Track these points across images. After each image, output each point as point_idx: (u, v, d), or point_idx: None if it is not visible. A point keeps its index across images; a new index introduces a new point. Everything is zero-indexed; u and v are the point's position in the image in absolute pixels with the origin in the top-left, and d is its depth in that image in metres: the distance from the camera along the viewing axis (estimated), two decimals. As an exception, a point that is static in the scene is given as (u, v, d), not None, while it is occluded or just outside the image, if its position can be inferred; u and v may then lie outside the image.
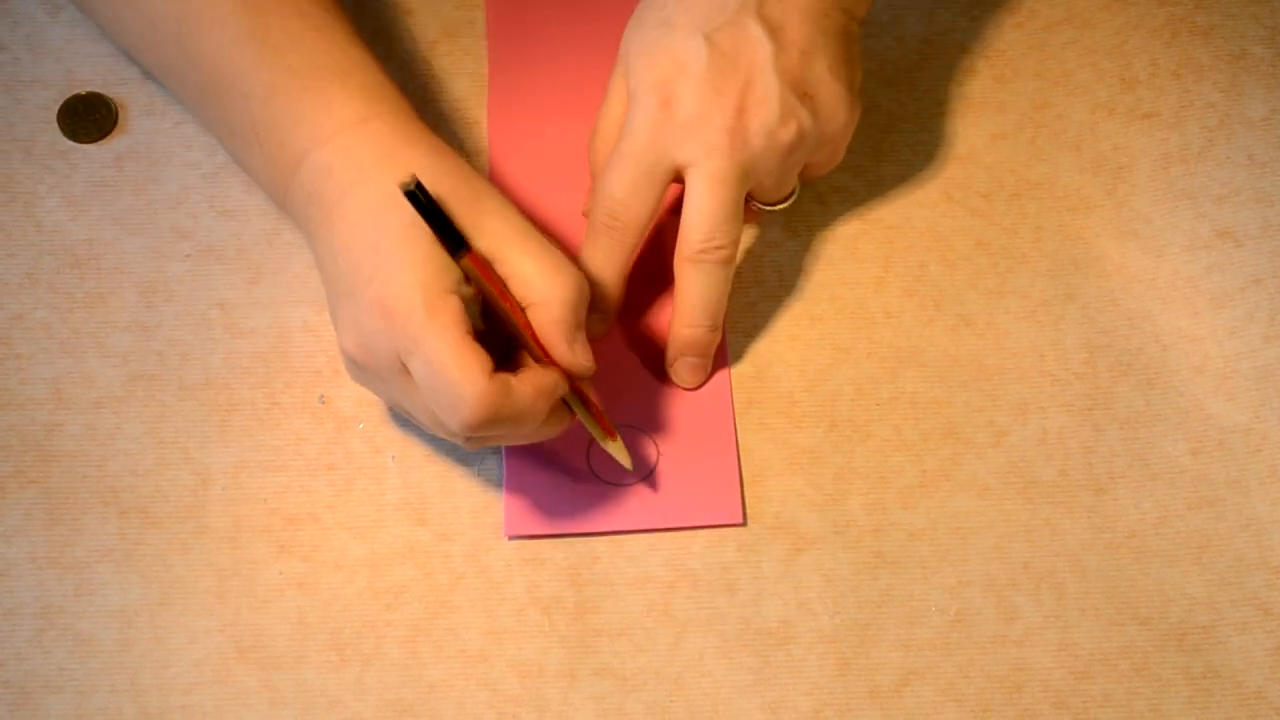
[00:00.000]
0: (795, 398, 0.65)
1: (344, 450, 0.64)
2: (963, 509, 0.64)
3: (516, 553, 0.62)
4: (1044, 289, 0.68)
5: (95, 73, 0.71)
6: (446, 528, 0.63)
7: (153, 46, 0.64)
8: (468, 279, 0.57)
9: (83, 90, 0.70)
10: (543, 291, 0.57)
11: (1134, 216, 0.69)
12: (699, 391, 0.65)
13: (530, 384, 0.56)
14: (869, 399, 0.66)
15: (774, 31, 0.61)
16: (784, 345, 0.67)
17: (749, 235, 0.69)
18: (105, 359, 0.65)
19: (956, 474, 0.64)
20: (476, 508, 0.63)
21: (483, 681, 0.60)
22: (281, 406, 0.65)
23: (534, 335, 0.58)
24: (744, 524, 0.63)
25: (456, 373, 0.54)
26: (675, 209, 0.63)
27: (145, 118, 0.70)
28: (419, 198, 0.55)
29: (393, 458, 0.64)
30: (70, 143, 0.69)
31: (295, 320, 0.66)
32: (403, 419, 0.64)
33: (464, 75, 0.72)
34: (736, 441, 0.64)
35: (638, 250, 0.63)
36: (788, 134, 0.61)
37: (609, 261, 0.63)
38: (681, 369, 0.65)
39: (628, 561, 0.62)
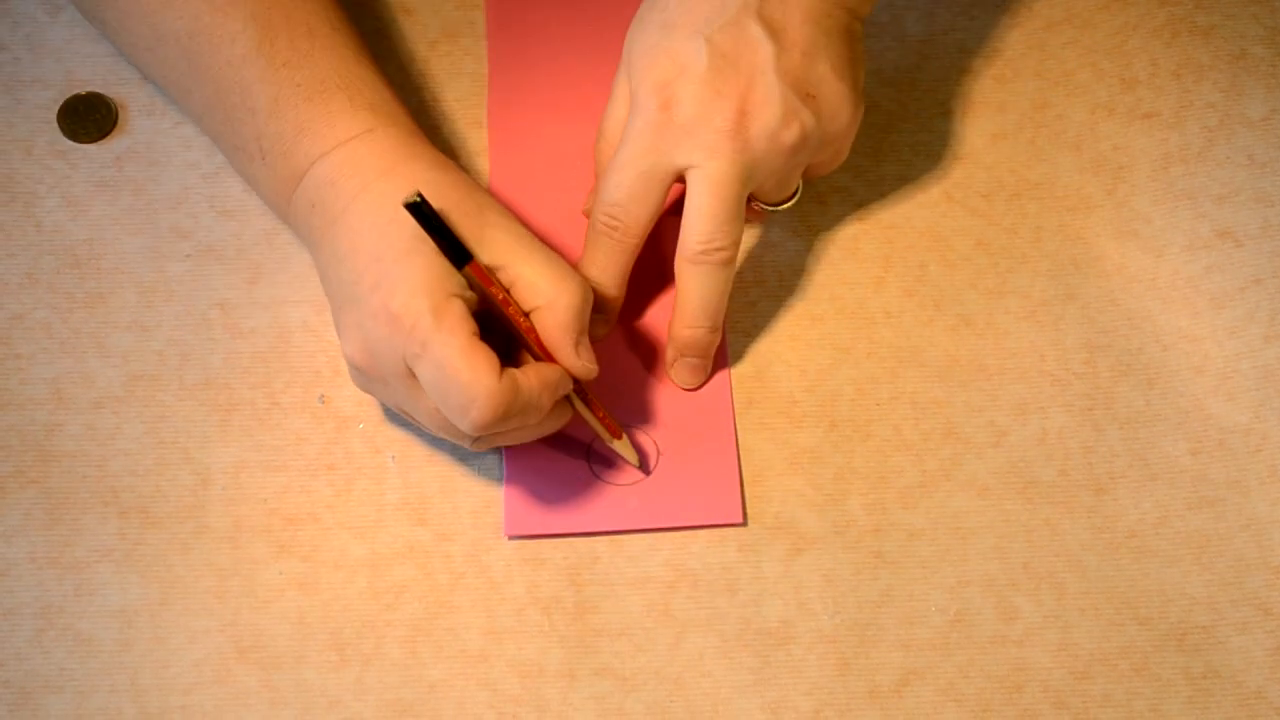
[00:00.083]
0: (795, 398, 0.65)
1: (344, 450, 0.64)
2: (963, 509, 0.64)
3: (516, 553, 0.62)
4: (1044, 289, 0.68)
5: (95, 73, 0.71)
6: (446, 528, 0.63)
7: (160, 58, 0.64)
8: (471, 286, 0.57)
9: (83, 90, 0.70)
10: (548, 296, 0.58)
11: (1134, 216, 0.69)
12: (699, 391, 0.65)
13: (536, 378, 0.57)
14: (869, 399, 0.66)
15: (775, 33, 0.61)
16: (784, 345, 0.67)
17: (749, 236, 0.69)
18: (105, 359, 0.65)
19: (956, 474, 0.64)
20: (476, 508, 0.63)
21: (483, 681, 0.60)
22: (281, 406, 0.65)
23: (537, 340, 0.58)
24: (744, 524, 0.63)
25: (467, 374, 0.55)
26: (675, 210, 0.63)
27: (145, 118, 0.70)
28: (423, 212, 0.56)
29: (393, 458, 0.64)
30: (70, 143, 0.69)
31: (295, 320, 0.66)
32: (403, 419, 0.64)
33: (464, 75, 0.72)
34: (736, 441, 0.64)
35: (638, 252, 0.63)
36: (790, 135, 0.61)
37: (610, 264, 0.63)
38: (681, 369, 0.65)
39: (628, 561, 0.62)
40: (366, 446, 0.64)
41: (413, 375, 0.57)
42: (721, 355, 0.66)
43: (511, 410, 0.56)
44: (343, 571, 0.62)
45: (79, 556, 0.62)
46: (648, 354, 0.66)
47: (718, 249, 0.61)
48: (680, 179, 0.61)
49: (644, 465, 0.64)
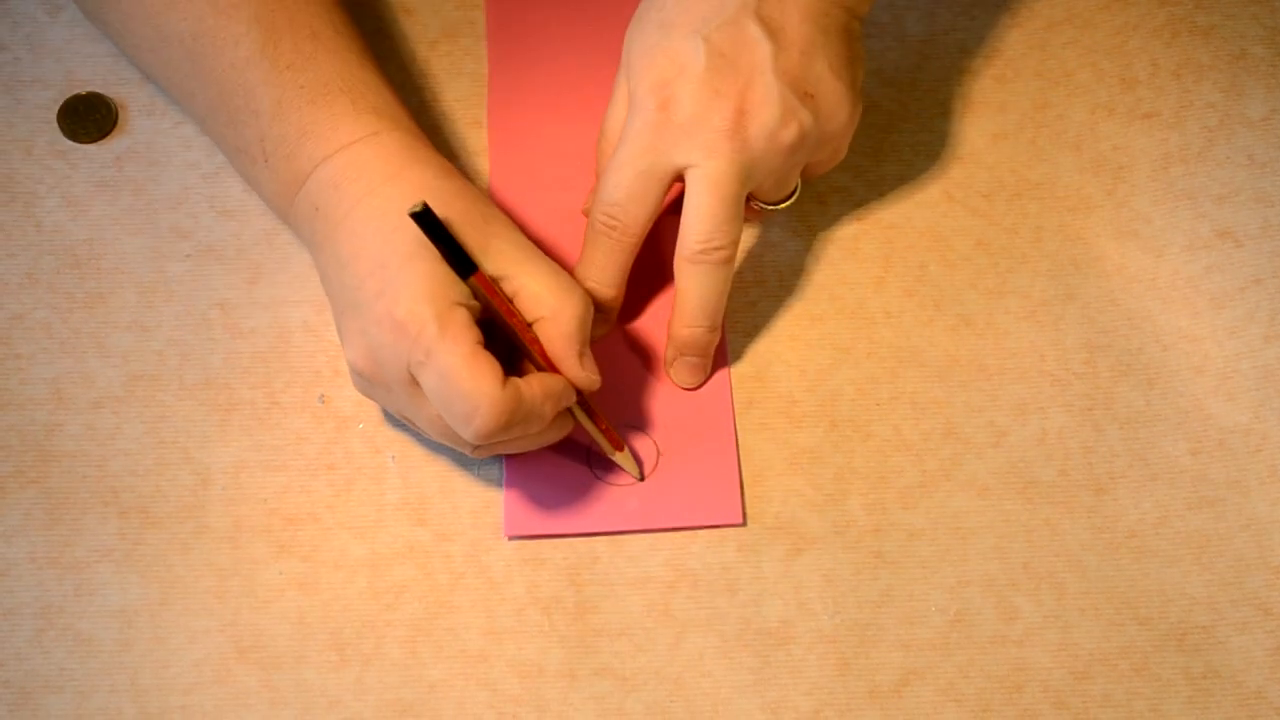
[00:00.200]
0: (795, 398, 0.65)
1: (344, 450, 0.64)
2: (963, 509, 0.64)
3: (516, 553, 0.62)
4: (1044, 289, 0.68)
5: (95, 73, 0.71)
6: (446, 528, 0.63)
7: (163, 60, 0.64)
8: (475, 295, 0.57)
9: (83, 90, 0.70)
10: (551, 307, 0.58)
11: (1134, 216, 0.69)
12: (699, 391, 0.65)
13: (539, 388, 0.57)
14: (869, 399, 0.66)
15: (773, 32, 0.61)
16: (784, 345, 0.67)
17: (749, 236, 0.69)
18: (105, 359, 0.65)
19: (956, 474, 0.64)
20: (476, 508, 0.63)
21: (483, 681, 0.60)
22: (281, 406, 0.65)
23: (541, 351, 0.58)
24: (744, 524, 0.63)
25: (470, 383, 0.55)
26: (675, 209, 0.63)
27: (145, 118, 0.70)
28: (428, 222, 0.56)
29: (393, 458, 0.64)
30: (70, 143, 0.69)
31: (295, 320, 0.66)
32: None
33: (464, 75, 0.72)
34: (736, 441, 0.64)
35: (637, 251, 0.63)
36: (789, 134, 0.61)
37: (609, 263, 0.63)
38: (681, 369, 0.65)
39: (628, 561, 0.62)
40: (366, 446, 0.64)
41: (416, 382, 0.57)
42: (721, 355, 0.66)
43: (514, 419, 0.56)
44: (343, 571, 0.62)
45: (79, 556, 0.62)
46: (647, 354, 0.66)
47: (717, 248, 0.61)
48: (679, 178, 0.61)
49: (644, 476, 0.64)
